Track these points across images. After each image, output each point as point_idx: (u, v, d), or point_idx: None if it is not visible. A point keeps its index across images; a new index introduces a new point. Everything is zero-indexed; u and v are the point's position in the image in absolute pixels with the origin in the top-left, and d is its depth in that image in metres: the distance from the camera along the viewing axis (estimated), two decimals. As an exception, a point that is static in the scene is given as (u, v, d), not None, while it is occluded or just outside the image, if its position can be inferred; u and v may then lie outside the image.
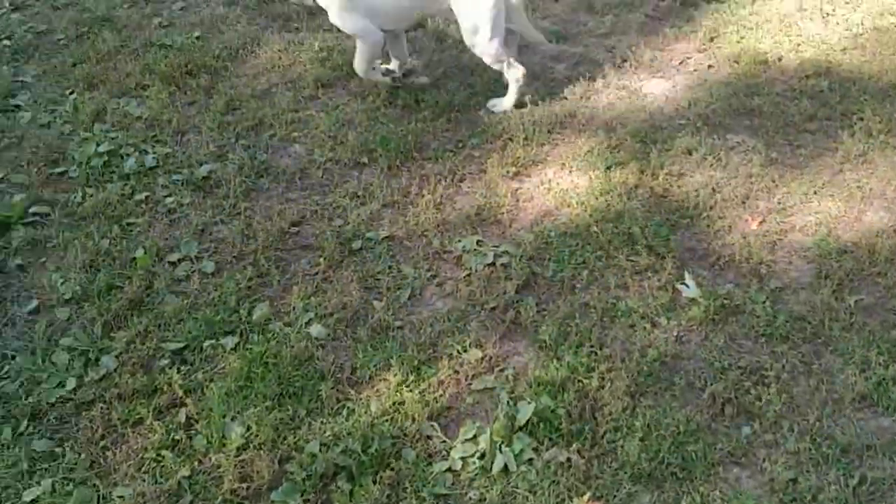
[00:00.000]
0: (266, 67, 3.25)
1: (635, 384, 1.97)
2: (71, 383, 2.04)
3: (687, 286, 2.23)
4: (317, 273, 2.37)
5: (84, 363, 2.10)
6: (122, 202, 2.61)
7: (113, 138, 2.87)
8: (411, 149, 2.80)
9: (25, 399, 2.01)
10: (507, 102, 2.98)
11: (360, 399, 1.98)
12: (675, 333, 2.10)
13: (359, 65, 3.00)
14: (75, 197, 2.64)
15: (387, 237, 2.48)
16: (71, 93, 3.11)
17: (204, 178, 2.70)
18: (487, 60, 2.92)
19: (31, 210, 2.58)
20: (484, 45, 2.86)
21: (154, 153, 2.80)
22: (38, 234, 2.51)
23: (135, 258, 2.40)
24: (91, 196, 2.63)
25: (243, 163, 2.77)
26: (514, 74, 2.93)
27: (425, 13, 3.04)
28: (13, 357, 2.13)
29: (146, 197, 2.64)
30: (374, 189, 2.65)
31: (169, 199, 2.63)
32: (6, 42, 3.42)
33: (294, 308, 2.24)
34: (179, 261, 2.41)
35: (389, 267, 2.38)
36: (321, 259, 2.40)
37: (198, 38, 3.42)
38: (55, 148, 2.84)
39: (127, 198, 2.63)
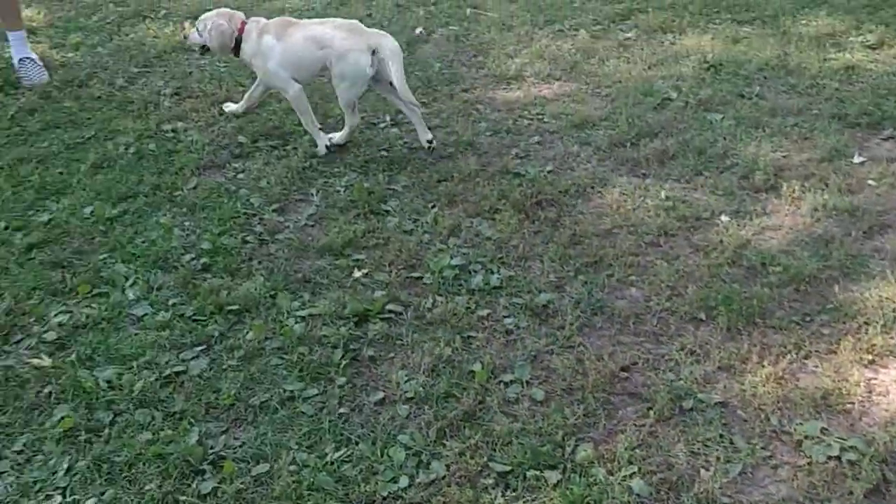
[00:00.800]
0: (611, 208, 3.36)
1: None
2: (404, 481, 2.17)
3: None
4: (644, 425, 2.34)
5: (417, 464, 2.23)
6: (466, 315, 2.78)
7: (464, 254, 3.10)
8: (754, 313, 2.71)
9: (362, 486, 2.17)
10: (338, 137, 3.84)
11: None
12: None
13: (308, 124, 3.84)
14: (426, 302, 2.86)
15: (720, 403, 2.40)
16: (433, 206, 3.42)
17: (542, 306, 2.81)
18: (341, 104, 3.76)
19: (387, 307, 2.84)
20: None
21: (499, 274, 2.97)
22: (391, 331, 2.75)
23: (472, 371, 2.53)
24: (440, 304, 2.84)
25: (581, 297, 2.85)
26: (353, 121, 3.81)
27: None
28: (356, 443, 2.32)
29: (488, 314, 2.80)
30: (711, 349, 2.59)
31: (508, 320, 2.76)
32: (384, 153, 3.86)
33: (618, 457, 2.22)
34: (511, 382, 2.51)
35: (720, 436, 2.28)
36: (650, 411, 2.38)
37: (549, 171, 3.63)
38: (414, 254, 3.12)
39: (471, 312, 2.80)
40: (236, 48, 3.78)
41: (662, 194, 3.42)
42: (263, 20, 3.80)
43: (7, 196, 3.53)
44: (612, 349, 2.62)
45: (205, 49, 3.88)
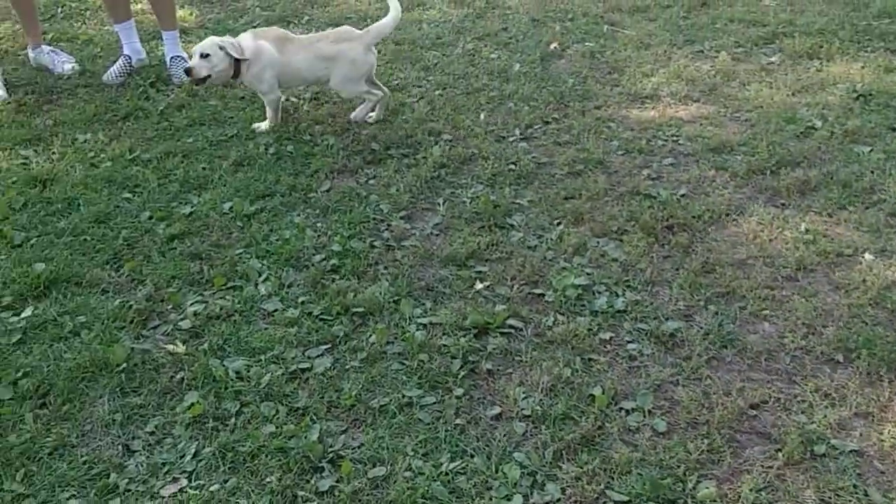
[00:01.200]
0: (746, 238, 3.24)
1: None
2: (517, 500, 2.15)
3: None
4: (771, 467, 2.24)
5: (531, 483, 2.21)
6: (588, 337, 2.74)
7: (588, 274, 3.05)
8: (898, 359, 2.56)
9: (476, 500, 2.16)
10: (374, 114, 4.26)
11: None
12: None
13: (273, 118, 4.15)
14: (547, 320, 2.83)
15: (855, 451, 2.27)
16: (559, 224, 3.39)
17: (669, 335, 2.73)
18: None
19: (507, 321, 2.83)
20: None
21: (624, 297, 2.91)
22: (510, 346, 2.73)
23: (592, 395, 2.49)
24: (561, 323, 2.80)
25: (710, 329, 2.75)
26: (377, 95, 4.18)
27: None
28: (472, 456, 2.31)
29: (610, 338, 2.75)
30: (848, 393, 2.46)
31: (632, 346, 2.70)
32: (511, 167, 3.85)
33: (742, 498, 2.13)
34: (633, 410, 2.45)
35: (854, 486, 2.16)
36: (778, 453, 2.27)
37: (683, 195, 3.53)
38: (537, 270, 3.10)
39: (593, 334, 2.76)
40: (236, 73, 4.01)
41: (802, 227, 3.27)
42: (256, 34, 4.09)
43: (153, 188, 3.72)
44: (741, 385, 2.52)
45: (205, 79, 3.99)
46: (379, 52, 5.13)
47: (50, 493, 2.26)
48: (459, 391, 2.54)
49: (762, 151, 3.80)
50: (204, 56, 3.94)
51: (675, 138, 4.03)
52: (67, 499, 2.24)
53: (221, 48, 3.93)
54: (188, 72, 3.96)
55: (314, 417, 2.46)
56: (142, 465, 2.34)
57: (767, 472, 2.22)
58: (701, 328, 2.76)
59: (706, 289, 2.95)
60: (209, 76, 3.97)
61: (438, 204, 3.56)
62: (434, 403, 2.51)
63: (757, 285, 2.95)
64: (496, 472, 2.25)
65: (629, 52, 5.03)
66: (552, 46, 5.15)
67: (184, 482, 2.28)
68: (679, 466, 2.23)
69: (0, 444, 2.40)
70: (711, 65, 4.81)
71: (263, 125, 4.22)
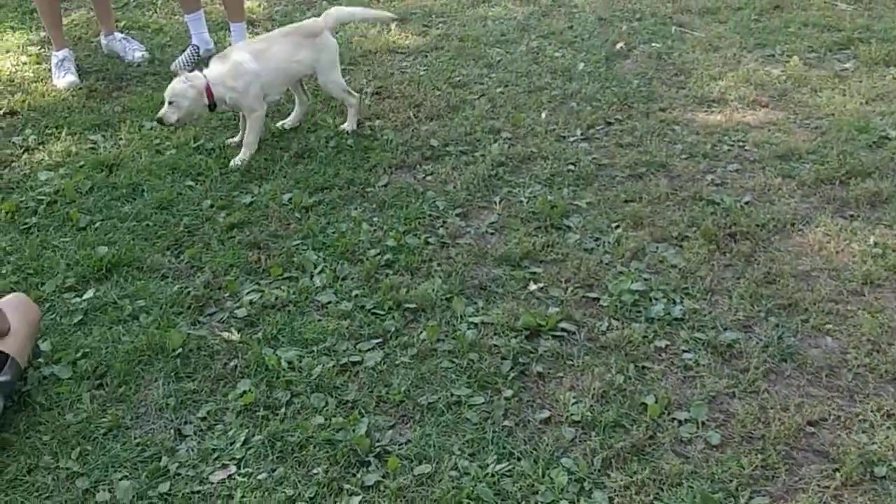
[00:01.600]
0: (812, 249, 3.14)
1: None
2: (564, 506, 2.13)
3: None
4: (828, 487, 2.17)
5: (579, 490, 2.18)
6: (642, 344, 2.69)
7: (646, 279, 3.00)
8: (969, 383, 2.45)
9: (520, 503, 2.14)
10: (349, 126, 4.11)
11: None
12: None
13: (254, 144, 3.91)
14: (601, 325, 2.79)
15: (918, 475, 2.18)
16: (617, 227, 3.33)
17: (727, 345, 2.67)
18: (335, 92, 4.09)
19: (560, 324, 2.79)
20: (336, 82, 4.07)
21: (682, 305, 2.85)
22: (562, 349, 2.70)
23: (645, 403, 2.44)
24: (616, 329, 2.76)
25: (770, 341, 2.68)
26: (353, 101, 4.09)
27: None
28: (519, 459, 2.29)
29: (665, 346, 2.69)
30: (913, 415, 2.37)
31: (687, 356, 2.64)
32: (571, 167, 3.80)
33: (797, 518, 2.07)
34: (686, 421, 2.40)
35: (916, 512, 2.08)
36: (836, 473, 2.20)
37: (747, 202, 3.44)
38: (592, 273, 3.05)
39: (648, 341, 2.71)
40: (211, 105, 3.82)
41: (871, 239, 3.16)
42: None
43: (215, 176, 3.78)
44: (799, 400, 2.45)
45: (179, 121, 3.83)
46: (441, 48, 5.14)
47: (103, 473, 2.31)
48: (509, 392, 2.52)
49: (832, 160, 3.68)
50: (170, 103, 3.77)
51: (741, 144, 3.94)
52: (119, 479, 2.28)
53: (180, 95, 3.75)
54: (159, 121, 3.83)
55: (363, 411, 2.47)
56: (192, 450, 2.37)
57: (824, 493, 2.15)
58: (760, 340, 2.69)
59: (767, 300, 2.87)
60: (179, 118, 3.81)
61: (495, 202, 3.54)
62: (483, 403, 2.49)
63: (820, 298, 2.86)
64: (543, 476, 2.22)
65: (697, 55, 4.92)
66: (618, 46, 5.07)
67: (233, 469, 2.31)
68: (731, 481, 2.18)
69: (57, 423, 2.47)
70: (782, 69, 4.68)
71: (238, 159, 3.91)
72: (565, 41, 5.20)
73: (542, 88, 4.57)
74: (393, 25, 5.37)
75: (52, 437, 2.42)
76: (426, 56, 5.05)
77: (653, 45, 5.10)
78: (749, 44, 5.05)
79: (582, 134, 4.10)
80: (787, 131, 4.02)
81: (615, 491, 2.16)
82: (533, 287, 3.00)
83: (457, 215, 3.45)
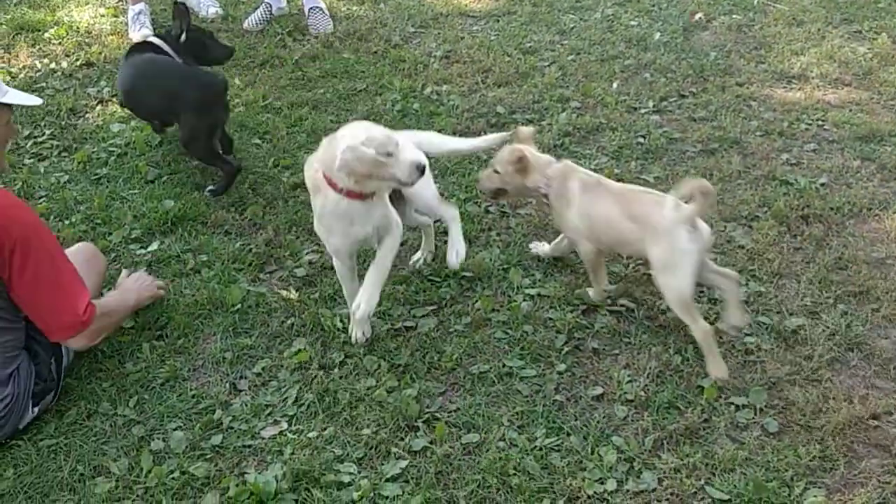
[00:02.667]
0: (888, 236, 3.01)
1: None
2: (611, 484, 2.10)
3: None
4: (889, 482, 2.09)
5: (627, 469, 2.15)
6: (703, 325, 2.62)
7: (712, 259, 2.90)
8: None
9: (568, 480, 2.12)
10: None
11: None
12: None
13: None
14: (660, 304, 2.72)
15: None
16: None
17: (791, 331, 2.58)
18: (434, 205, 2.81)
19: (619, 301, 2.74)
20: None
21: (748, 287, 2.77)
22: (619, 326, 2.65)
23: (701, 386, 2.39)
24: (676, 308, 2.69)
25: (837, 329, 2.58)
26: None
27: None
28: (568, 434, 2.26)
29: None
30: None
31: (749, 339, 2.57)
32: (640, 140, 3.71)
33: (855, 513, 2.00)
34: (743, 406, 2.33)
35: (983, 515, 1.99)
36: (899, 469, 2.12)
37: (822, 184, 3.31)
38: (656, 250, 2.97)
39: (710, 322, 2.63)
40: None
41: (953, 229, 3.01)
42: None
43: (282, 135, 3.80)
44: (864, 392, 2.36)
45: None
46: (514, 13, 5.04)
47: (158, 422, 2.36)
48: (562, 367, 2.49)
49: (917, 144, 3.51)
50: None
51: (820, 123, 3.78)
52: (174, 429, 2.34)
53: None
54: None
55: (414, 376, 2.47)
56: (246, 405, 2.41)
57: (884, 488, 2.07)
58: (827, 328, 2.59)
59: (837, 286, 2.77)
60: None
61: (560, 173, 3.47)
62: (534, 376, 2.47)
63: (894, 287, 2.74)
64: (592, 453, 2.20)
65: (779, 28, 4.73)
66: (697, 17, 4.90)
67: (284, 425, 2.34)
68: (787, 470, 2.12)
69: (118, 371, 2.54)
70: (869, 47, 4.47)
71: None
72: (642, 9, 5.05)
73: (616, 57, 4.45)
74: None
75: (112, 385, 2.49)
76: (498, 20, 4.97)
77: (733, 16, 4.91)
78: (835, 19, 4.83)
79: (654, 106, 3.99)
80: (869, 112, 3.84)
81: (665, 473, 2.13)
82: (593, 261, 2.94)
83: (519, 185, 3.40)
